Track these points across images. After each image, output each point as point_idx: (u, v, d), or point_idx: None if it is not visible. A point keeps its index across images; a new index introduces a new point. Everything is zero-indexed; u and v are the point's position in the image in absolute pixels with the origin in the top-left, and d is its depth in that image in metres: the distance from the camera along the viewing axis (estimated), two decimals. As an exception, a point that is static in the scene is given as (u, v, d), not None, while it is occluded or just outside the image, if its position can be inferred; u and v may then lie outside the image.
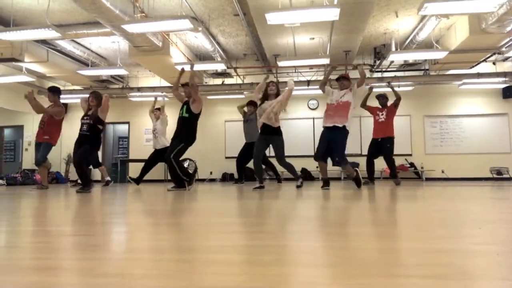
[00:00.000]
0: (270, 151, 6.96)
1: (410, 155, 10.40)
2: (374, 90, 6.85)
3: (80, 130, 5.13)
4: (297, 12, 5.50)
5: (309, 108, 10.95)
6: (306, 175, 10.21)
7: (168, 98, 10.73)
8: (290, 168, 5.23)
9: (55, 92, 5.93)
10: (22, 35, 6.13)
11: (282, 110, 5.03)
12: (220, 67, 9.14)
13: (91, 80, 10.30)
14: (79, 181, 7.33)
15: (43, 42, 8.06)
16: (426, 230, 1.57)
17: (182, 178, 4.91)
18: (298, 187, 5.07)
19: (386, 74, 9.91)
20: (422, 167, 10.22)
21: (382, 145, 6.28)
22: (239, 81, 10.45)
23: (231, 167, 9.77)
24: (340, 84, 5.01)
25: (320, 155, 4.90)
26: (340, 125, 4.73)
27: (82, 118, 5.19)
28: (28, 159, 11.16)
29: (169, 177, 9.11)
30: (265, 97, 5.07)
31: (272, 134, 4.98)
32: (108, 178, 7.15)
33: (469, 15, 6.78)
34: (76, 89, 10.85)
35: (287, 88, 5.10)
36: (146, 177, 7.20)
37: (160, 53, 7.88)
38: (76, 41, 8.49)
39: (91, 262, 1.04)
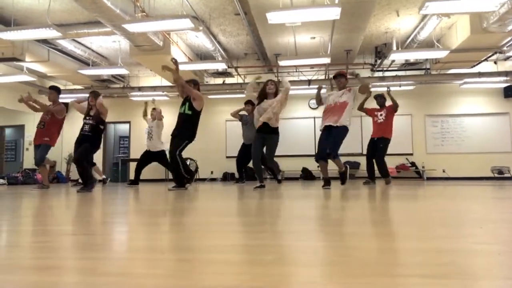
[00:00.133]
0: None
1: (411, 154, 10.39)
2: (374, 89, 6.83)
3: (82, 130, 5.14)
4: (298, 11, 5.49)
5: (310, 107, 10.94)
6: (307, 175, 10.23)
7: (168, 98, 10.75)
8: (276, 167, 5.34)
9: (57, 91, 5.94)
10: (23, 35, 6.14)
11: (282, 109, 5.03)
12: (221, 66, 9.14)
13: (92, 80, 10.31)
14: (80, 180, 7.36)
15: (44, 41, 8.06)
16: (427, 230, 1.57)
17: (183, 175, 4.89)
18: (279, 181, 5.07)
19: (387, 74, 9.90)
20: (423, 167, 10.22)
21: (377, 144, 6.27)
22: (240, 81, 10.45)
23: (232, 167, 9.77)
24: (337, 82, 5.01)
25: (320, 156, 4.92)
26: (334, 125, 4.76)
27: (84, 118, 5.20)
28: (29, 159, 11.17)
29: (170, 177, 9.13)
30: (263, 96, 4.99)
31: (270, 132, 4.94)
32: (104, 176, 7.16)
33: (470, 14, 6.76)
34: (77, 88, 10.86)
35: (283, 87, 5.02)
36: (146, 177, 7.21)
37: (161, 52, 7.88)
38: (77, 40, 8.49)
39: (92, 261, 1.04)
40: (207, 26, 7.74)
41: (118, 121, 11.93)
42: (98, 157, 5.44)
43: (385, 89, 8.14)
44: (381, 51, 9.13)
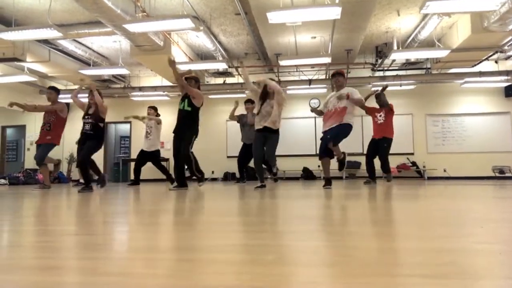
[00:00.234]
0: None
1: (412, 154, 10.39)
2: (375, 89, 6.82)
3: (83, 129, 5.16)
4: (298, 11, 5.48)
5: (311, 107, 10.92)
6: (308, 174, 10.22)
7: (169, 98, 10.76)
8: (273, 162, 5.50)
9: (56, 91, 5.95)
10: (24, 35, 6.15)
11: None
12: (222, 66, 9.14)
13: (92, 80, 10.32)
14: (81, 180, 7.37)
15: (45, 42, 8.08)
16: (428, 229, 1.56)
17: (195, 174, 5.04)
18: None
19: (388, 73, 9.90)
20: (424, 166, 10.21)
21: (378, 144, 6.26)
22: (241, 81, 10.45)
23: (233, 167, 9.78)
24: (336, 80, 5.00)
25: (323, 152, 4.94)
26: (335, 125, 4.80)
27: (84, 118, 5.21)
28: (30, 159, 11.17)
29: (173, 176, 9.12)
30: (265, 96, 4.95)
31: (271, 132, 4.95)
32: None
33: (471, 13, 6.75)
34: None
35: (273, 90, 4.87)
36: (147, 177, 7.22)
37: (162, 52, 7.89)
38: (78, 40, 8.50)
39: (93, 261, 1.04)
40: (208, 26, 7.74)
41: (119, 121, 11.93)
42: (99, 157, 5.43)
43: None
44: (381, 51, 9.13)
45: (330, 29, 7.37)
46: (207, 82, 10.74)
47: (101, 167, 11.17)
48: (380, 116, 6.30)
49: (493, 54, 8.58)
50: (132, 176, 8.03)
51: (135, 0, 6.15)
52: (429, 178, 9.85)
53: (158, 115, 7.24)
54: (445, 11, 5.69)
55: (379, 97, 6.39)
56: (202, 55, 9.52)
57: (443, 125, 10.54)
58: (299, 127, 10.69)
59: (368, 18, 6.92)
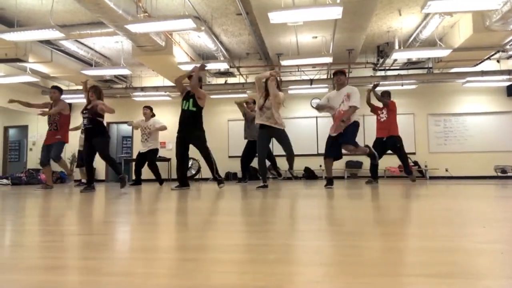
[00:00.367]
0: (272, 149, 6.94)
1: (414, 153, 10.36)
2: (376, 88, 6.78)
3: (84, 125, 5.25)
4: (300, 11, 5.48)
5: (312, 107, 10.92)
6: (310, 174, 10.22)
7: (171, 98, 10.77)
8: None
9: (59, 90, 5.98)
10: (26, 36, 6.17)
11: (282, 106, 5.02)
12: (223, 66, 9.15)
13: (94, 80, 10.34)
14: (83, 180, 7.40)
15: (47, 42, 8.10)
16: (429, 229, 1.57)
17: (215, 176, 5.27)
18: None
19: (389, 73, 9.88)
20: (426, 166, 10.19)
21: (388, 144, 6.22)
22: (242, 80, 10.46)
23: (234, 166, 9.78)
24: (337, 79, 4.99)
25: (329, 152, 4.97)
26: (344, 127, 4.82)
27: (82, 112, 5.26)
28: (32, 159, 11.22)
29: (173, 176, 9.15)
30: (267, 92, 4.90)
31: (279, 130, 4.96)
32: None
33: (473, 12, 6.74)
34: (80, 89, 10.86)
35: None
36: (148, 177, 7.24)
37: (163, 52, 7.90)
38: (80, 41, 8.52)
39: (97, 261, 1.05)
40: (209, 26, 7.74)
41: (121, 121, 11.94)
42: (101, 157, 5.45)
43: (387, 88, 8.14)
44: (383, 50, 9.12)
45: (332, 29, 7.37)
46: (209, 82, 10.75)
47: (103, 167, 11.26)
48: (383, 113, 6.30)
49: (495, 53, 8.57)
50: (134, 176, 8.07)
51: (137, 0, 6.16)
52: (431, 178, 9.83)
53: (153, 115, 7.24)
54: (447, 11, 5.68)
55: (378, 95, 6.38)
56: (204, 55, 9.53)
57: (445, 124, 10.51)
58: (301, 127, 10.68)
59: (369, 18, 6.92)
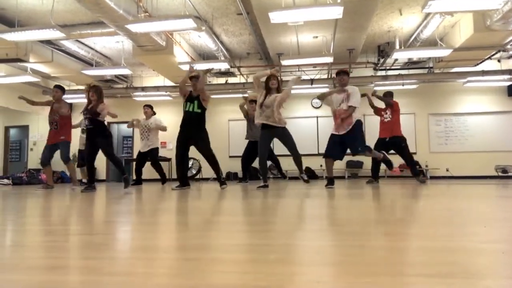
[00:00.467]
0: (273, 148, 6.94)
1: (415, 153, 10.29)
2: (377, 88, 6.79)
3: (85, 125, 5.27)
4: (300, 10, 5.48)
5: (313, 106, 10.92)
6: (310, 174, 10.21)
7: (172, 98, 10.77)
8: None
9: (62, 89, 5.99)
10: (27, 36, 6.17)
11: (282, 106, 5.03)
12: (224, 66, 9.14)
13: (95, 80, 10.35)
14: (83, 180, 7.41)
15: (48, 42, 8.10)
16: (430, 228, 1.57)
17: (219, 177, 5.30)
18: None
19: (390, 73, 9.87)
20: (426, 166, 10.18)
21: (390, 145, 6.20)
22: (243, 80, 10.45)
23: (235, 166, 9.78)
24: (340, 79, 4.99)
25: (331, 152, 4.96)
26: (348, 129, 4.83)
27: (83, 112, 5.26)
28: (33, 159, 11.23)
29: (173, 176, 9.16)
30: (267, 90, 4.93)
31: (282, 129, 4.96)
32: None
33: (474, 12, 6.73)
34: (81, 89, 10.89)
35: (287, 87, 5.04)
36: (150, 177, 7.25)
37: (164, 52, 7.90)
38: (81, 41, 8.53)
39: (98, 261, 1.05)
40: (210, 26, 7.75)
41: (122, 121, 11.95)
42: (102, 156, 5.44)
43: (387, 88, 8.14)
44: (384, 50, 9.11)
45: (332, 29, 7.37)
46: (209, 82, 10.74)
47: (104, 166, 11.27)
48: (386, 114, 6.29)
49: (496, 53, 8.55)
50: (134, 176, 8.08)
51: (137, 0, 6.16)
52: (432, 178, 9.83)
53: (154, 113, 7.26)
54: (448, 10, 5.68)
55: (381, 97, 6.38)
56: (204, 55, 9.53)
57: (445, 124, 10.51)
58: (301, 127, 10.66)
59: (370, 18, 6.91)
